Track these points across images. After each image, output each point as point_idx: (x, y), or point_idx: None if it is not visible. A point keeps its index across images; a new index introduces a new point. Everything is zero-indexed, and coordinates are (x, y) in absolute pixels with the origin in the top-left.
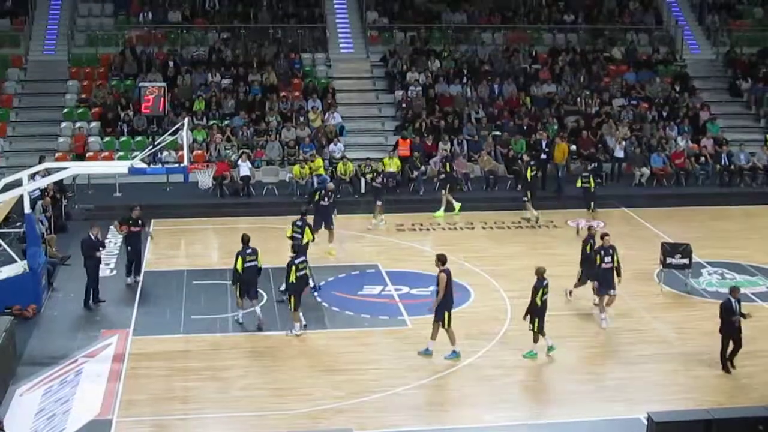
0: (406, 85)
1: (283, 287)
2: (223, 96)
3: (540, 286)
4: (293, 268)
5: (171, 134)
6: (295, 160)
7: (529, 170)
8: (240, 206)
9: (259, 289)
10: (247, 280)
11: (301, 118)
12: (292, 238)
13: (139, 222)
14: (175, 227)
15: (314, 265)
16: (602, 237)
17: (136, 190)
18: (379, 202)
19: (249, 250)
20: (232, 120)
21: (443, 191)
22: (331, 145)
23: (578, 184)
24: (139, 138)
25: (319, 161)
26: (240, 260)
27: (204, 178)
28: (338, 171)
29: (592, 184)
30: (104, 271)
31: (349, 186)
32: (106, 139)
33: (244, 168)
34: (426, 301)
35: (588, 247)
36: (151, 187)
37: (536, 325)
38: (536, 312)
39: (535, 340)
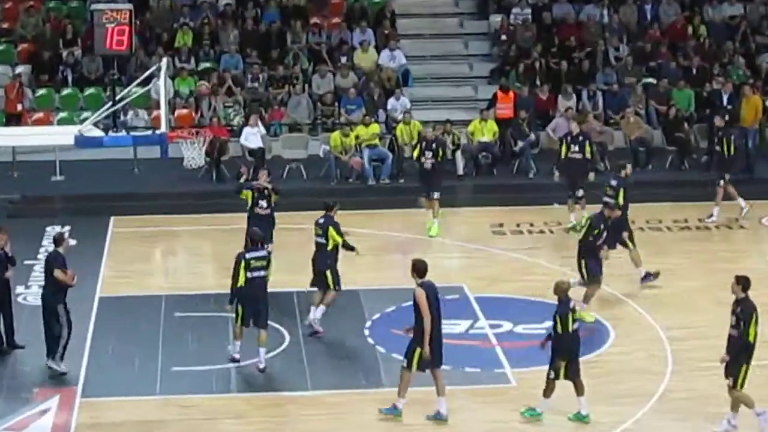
0: (507, 6)
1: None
2: (221, 25)
3: (567, 310)
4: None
5: (140, 85)
6: (334, 124)
7: (725, 143)
8: None
9: (274, 323)
10: (250, 297)
11: (343, 59)
12: (316, 243)
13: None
14: (146, 228)
15: (370, 282)
16: None
17: (87, 172)
18: (436, 194)
19: (258, 254)
20: (235, 62)
21: (569, 201)
22: (390, 101)
23: None
24: (90, 90)
25: (374, 127)
26: (242, 267)
27: (192, 153)
28: (399, 139)
29: None
30: (23, 299)
31: (417, 163)
32: (40, 91)
33: (254, 137)
34: (538, 344)
35: None
36: (112, 167)
37: (562, 369)
38: (561, 348)
39: (547, 393)
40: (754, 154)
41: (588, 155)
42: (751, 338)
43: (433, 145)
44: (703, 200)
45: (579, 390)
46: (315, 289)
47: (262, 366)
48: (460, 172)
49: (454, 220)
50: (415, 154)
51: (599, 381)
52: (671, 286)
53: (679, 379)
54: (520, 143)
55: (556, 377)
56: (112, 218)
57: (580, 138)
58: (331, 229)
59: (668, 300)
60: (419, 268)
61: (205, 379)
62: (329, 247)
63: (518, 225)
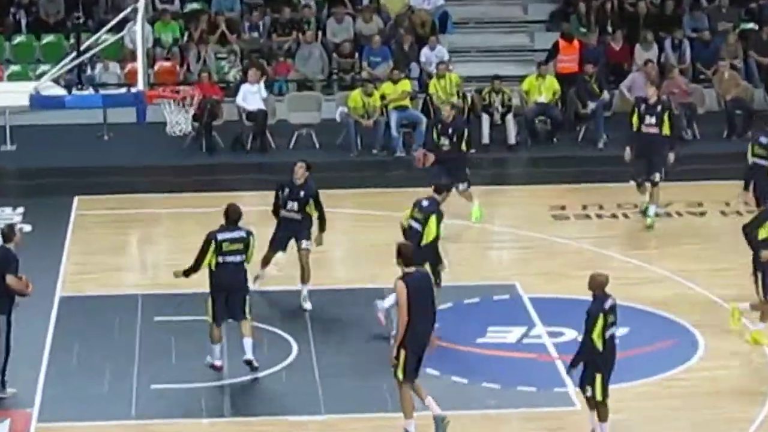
0: None
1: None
2: None
3: (599, 310)
4: (212, 246)
5: (111, 31)
6: (354, 80)
7: None
8: (246, 169)
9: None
10: (221, 286)
11: (366, 0)
12: (408, 228)
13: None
14: (119, 211)
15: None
16: None
17: (44, 140)
18: (461, 186)
19: (233, 234)
20: (230, 3)
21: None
22: (424, 51)
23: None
24: (49, 38)
25: (404, 84)
26: (211, 248)
27: (177, 117)
28: (435, 98)
29: None
30: None
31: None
32: None
33: (255, 96)
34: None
35: None
36: (75, 134)
37: (597, 386)
38: (594, 361)
39: (602, 416)
40: None
41: (667, 130)
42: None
43: (449, 130)
44: None
45: (601, 415)
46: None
47: (248, 358)
48: (512, 141)
49: (504, 201)
50: (434, 137)
51: (683, 403)
52: None
53: None
54: (591, 104)
55: (594, 395)
56: (76, 198)
57: (659, 108)
58: (433, 219)
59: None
60: (405, 255)
61: (193, 400)
62: (427, 239)
63: (584, 207)
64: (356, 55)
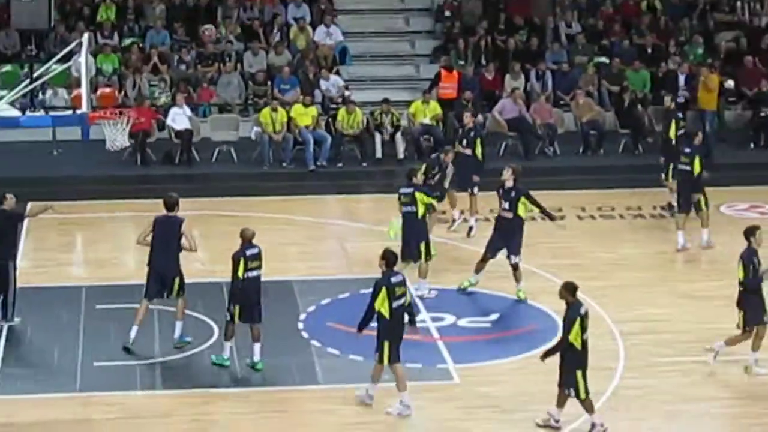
0: None
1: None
2: None
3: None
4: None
5: (60, 61)
6: (267, 104)
7: (673, 125)
8: (175, 180)
9: (202, 315)
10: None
11: (277, 36)
12: (403, 216)
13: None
14: (67, 216)
15: (305, 272)
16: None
17: (2, 154)
18: (474, 189)
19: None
20: (162, 38)
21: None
22: (328, 80)
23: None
24: (6, 67)
25: (313, 110)
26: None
27: (116, 134)
28: (339, 123)
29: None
30: None
31: (356, 147)
32: None
33: (182, 118)
34: (483, 338)
35: (749, 268)
36: (29, 149)
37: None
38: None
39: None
40: (713, 137)
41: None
42: (576, 344)
43: (471, 134)
44: (658, 186)
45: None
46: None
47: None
48: (401, 155)
49: (394, 207)
50: (456, 142)
51: (547, 379)
52: (623, 277)
53: (633, 375)
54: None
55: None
56: (30, 204)
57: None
58: (419, 194)
59: (620, 292)
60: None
61: (130, 375)
62: (419, 215)
63: (462, 212)
64: (269, 83)
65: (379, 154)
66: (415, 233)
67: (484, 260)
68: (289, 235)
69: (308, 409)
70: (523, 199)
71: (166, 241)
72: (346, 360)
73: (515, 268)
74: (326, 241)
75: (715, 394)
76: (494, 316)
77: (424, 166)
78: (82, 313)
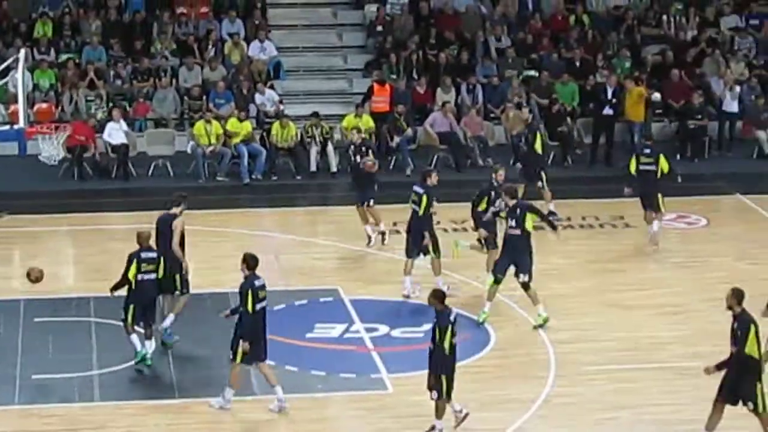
0: None
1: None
2: (83, 14)
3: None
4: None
5: None
6: (202, 118)
7: (538, 137)
8: (111, 194)
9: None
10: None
11: (212, 51)
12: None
13: None
14: (4, 229)
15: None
16: None
17: None
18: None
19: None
20: (98, 54)
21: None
22: (263, 94)
23: (631, 167)
24: None
25: (247, 124)
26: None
27: (51, 149)
28: (273, 137)
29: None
30: None
31: (290, 160)
32: None
33: (118, 132)
34: (416, 348)
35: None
36: None
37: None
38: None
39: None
40: (640, 146)
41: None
42: (446, 349)
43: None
44: (587, 197)
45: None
46: (422, 257)
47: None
48: (334, 169)
49: (328, 219)
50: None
51: (479, 387)
52: (554, 287)
53: (563, 384)
54: (397, 139)
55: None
56: None
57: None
58: (425, 197)
59: (551, 302)
60: (249, 262)
61: (67, 388)
62: (421, 213)
63: (395, 224)
64: (204, 97)
65: (313, 167)
66: (419, 228)
67: (497, 282)
68: (224, 247)
69: (245, 419)
70: (528, 213)
71: (164, 239)
72: (282, 370)
73: (526, 287)
74: (261, 253)
75: (645, 401)
76: (426, 326)
77: (484, 199)
78: (20, 326)
